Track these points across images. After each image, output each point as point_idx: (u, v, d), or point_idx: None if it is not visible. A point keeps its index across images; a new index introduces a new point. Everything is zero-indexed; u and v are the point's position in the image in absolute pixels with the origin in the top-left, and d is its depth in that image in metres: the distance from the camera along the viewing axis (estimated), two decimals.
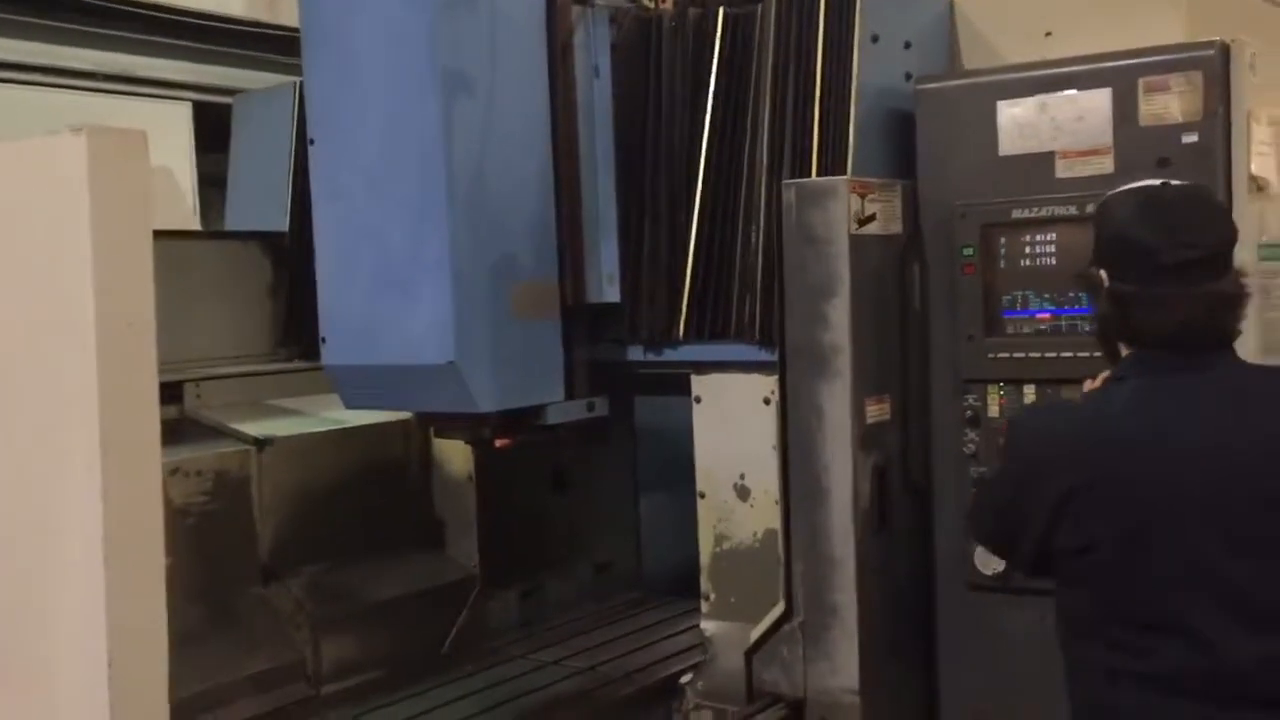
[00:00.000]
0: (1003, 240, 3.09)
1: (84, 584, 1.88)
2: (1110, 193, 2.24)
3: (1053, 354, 3.00)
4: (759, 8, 3.33)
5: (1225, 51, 2.87)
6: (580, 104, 3.27)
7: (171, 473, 3.20)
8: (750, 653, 3.23)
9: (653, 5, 3.54)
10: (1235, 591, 1.94)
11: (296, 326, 4.12)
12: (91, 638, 1.86)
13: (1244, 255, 2.85)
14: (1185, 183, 2.25)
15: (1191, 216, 2.07)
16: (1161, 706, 1.97)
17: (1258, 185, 2.94)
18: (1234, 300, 2.08)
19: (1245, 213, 2.88)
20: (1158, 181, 2.23)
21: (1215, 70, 2.85)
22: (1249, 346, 2.90)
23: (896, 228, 3.17)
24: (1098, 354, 2.31)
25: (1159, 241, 2.05)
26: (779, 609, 3.19)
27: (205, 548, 3.31)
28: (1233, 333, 2.10)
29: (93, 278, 1.79)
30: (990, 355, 3.10)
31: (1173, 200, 2.11)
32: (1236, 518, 1.96)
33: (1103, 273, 2.13)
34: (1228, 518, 1.96)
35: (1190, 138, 2.87)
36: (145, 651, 1.90)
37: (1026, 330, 3.07)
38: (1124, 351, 2.15)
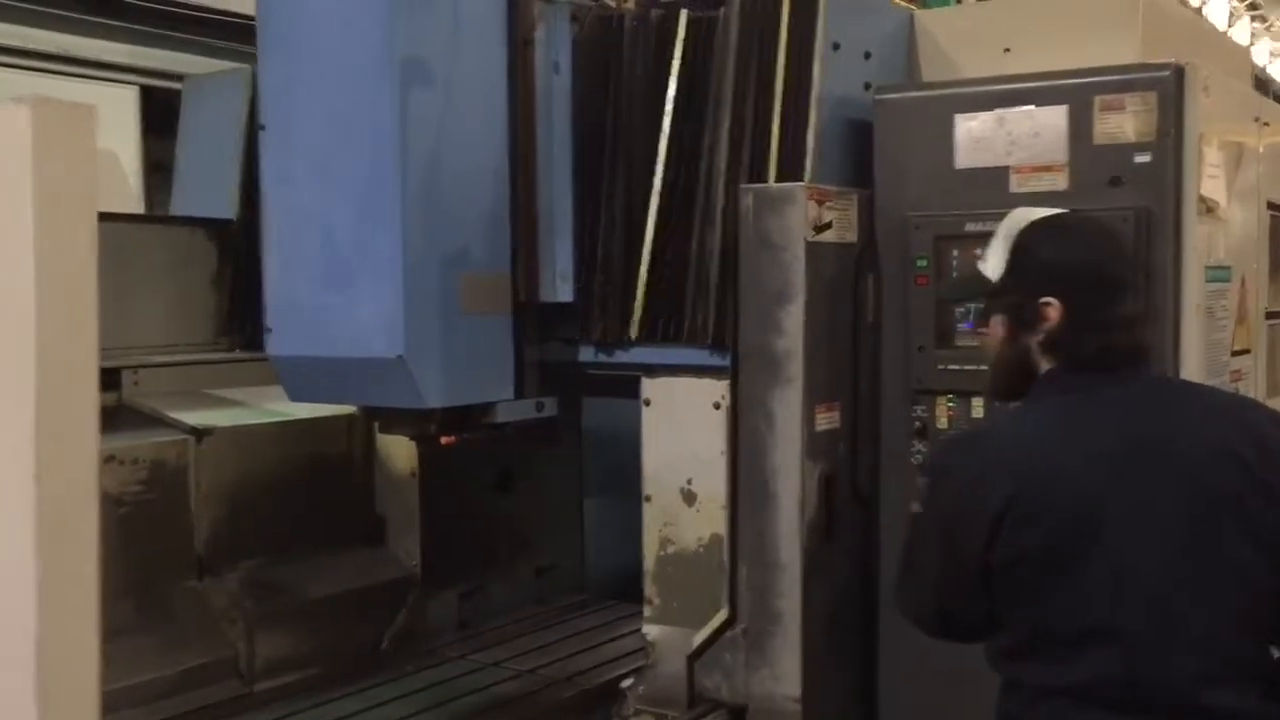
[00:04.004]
0: (956, 253, 3.10)
1: (15, 572, 1.82)
2: (1028, 222, 2.20)
3: None
4: (721, 11, 3.32)
5: (1180, 74, 2.91)
6: (539, 100, 3.24)
7: (106, 461, 3.13)
8: (692, 658, 3.21)
9: (615, 4, 3.53)
10: (1164, 601, 1.96)
11: (240, 315, 4.05)
12: (21, 626, 1.79)
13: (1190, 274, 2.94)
14: (1084, 211, 2.32)
15: (1119, 242, 2.14)
16: (1079, 718, 1.98)
17: (1207, 207, 2.98)
18: (1149, 319, 2.14)
19: (1194, 234, 2.93)
20: (1064, 211, 2.29)
21: (1170, 92, 2.89)
22: (1191, 367, 2.96)
23: (852, 236, 3.18)
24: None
25: (1121, 266, 2.14)
26: (722, 615, 3.17)
27: (139, 539, 3.24)
28: (1151, 349, 2.15)
29: (34, 255, 1.73)
30: (940, 367, 3.11)
31: (1106, 226, 2.19)
32: (1165, 524, 1.98)
33: (1050, 300, 2.11)
34: (1156, 524, 1.98)
35: (1143, 158, 2.90)
36: (77, 642, 1.84)
37: (977, 343, 3.08)
38: (1045, 366, 2.16)
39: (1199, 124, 2.91)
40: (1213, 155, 3.00)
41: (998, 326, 2.19)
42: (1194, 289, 2.95)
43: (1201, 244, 2.97)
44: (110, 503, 3.13)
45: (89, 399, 1.84)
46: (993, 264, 2.19)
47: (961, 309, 3.09)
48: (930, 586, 2.18)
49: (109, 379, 3.50)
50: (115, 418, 3.42)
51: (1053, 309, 2.10)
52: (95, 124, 1.81)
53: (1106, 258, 2.15)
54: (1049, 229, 2.19)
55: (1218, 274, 3.10)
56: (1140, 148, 2.90)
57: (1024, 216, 2.21)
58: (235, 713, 3.32)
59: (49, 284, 1.77)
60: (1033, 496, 2.01)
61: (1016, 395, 2.22)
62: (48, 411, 1.78)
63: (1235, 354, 3.23)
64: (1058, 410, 2.10)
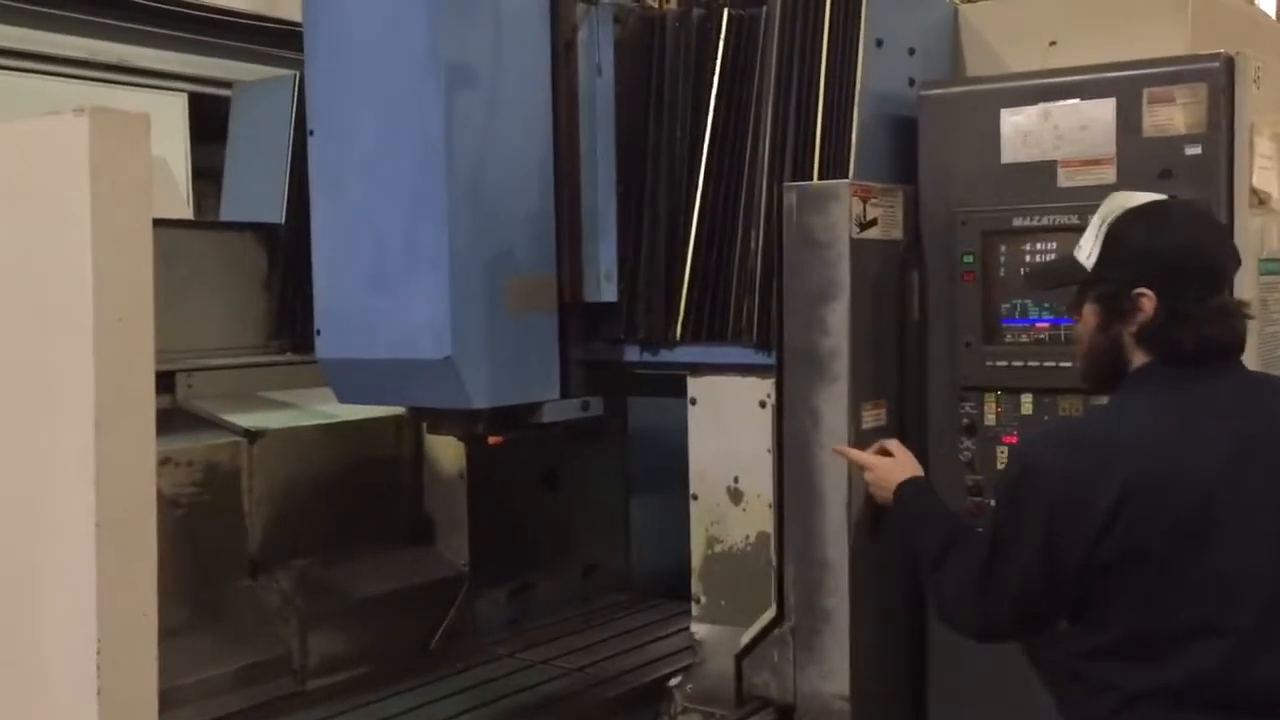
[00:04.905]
0: (1003, 248, 3.07)
1: (75, 572, 1.85)
2: (1124, 209, 2.14)
3: (1051, 363, 2.99)
4: (763, 10, 3.32)
5: (1230, 64, 2.86)
6: (582, 101, 3.26)
7: (162, 463, 3.17)
8: (740, 656, 3.21)
9: (657, 5, 3.54)
10: (1272, 597, 1.92)
11: (290, 318, 4.10)
12: (82, 626, 1.83)
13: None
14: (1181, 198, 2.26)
15: (1218, 228, 2.10)
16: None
17: (1259, 199, 2.94)
18: (1243, 310, 2.10)
19: (1246, 226, 2.89)
20: (1163, 196, 2.22)
21: (1220, 83, 2.85)
22: (1246, 361, 2.91)
23: (897, 233, 3.16)
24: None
25: (1222, 255, 2.10)
26: (770, 613, 3.17)
27: (194, 539, 3.29)
28: (1244, 340, 2.11)
29: (91, 261, 1.77)
30: (988, 363, 3.09)
31: (1204, 212, 2.13)
32: (1272, 519, 1.94)
33: (1145, 291, 2.07)
34: (1263, 520, 1.94)
35: (1193, 150, 2.86)
36: (135, 641, 1.88)
37: (1025, 339, 3.07)
38: (1139, 361, 2.12)
39: (1250, 115, 2.87)
40: (1264, 146, 2.95)
41: (1090, 315, 2.16)
42: (1248, 282, 2.90)
43: (1254, 237, 2.92)
44: (165, 504, 3.18)
45: (146, 403, 1.88)
46: (1088, 250, 2.14)
47: (1008, 304, 3.07)
48: (1011, 592, 2.10)
49: (163, 382, 3.55)
50: (170, 420, 3.48)
51: (1148, 300, 2.05)
52: (150, 132, 1.84)
53: (1204, 247, 2.10)
54: (1146, 216, 2.13)
55: (1271, 266, 3.05)
56: (1190, 140, 2.86)
57: (1121, 202, 2.16)
58: (288, 710, 3.37)
59: (106, 289, 1.80)
60: (1145, 495, 1.96)
61: (1107, 387, 2.18)
62: (106, 415, 1.82)
63: None
64: (1159, 406, 2.05)
